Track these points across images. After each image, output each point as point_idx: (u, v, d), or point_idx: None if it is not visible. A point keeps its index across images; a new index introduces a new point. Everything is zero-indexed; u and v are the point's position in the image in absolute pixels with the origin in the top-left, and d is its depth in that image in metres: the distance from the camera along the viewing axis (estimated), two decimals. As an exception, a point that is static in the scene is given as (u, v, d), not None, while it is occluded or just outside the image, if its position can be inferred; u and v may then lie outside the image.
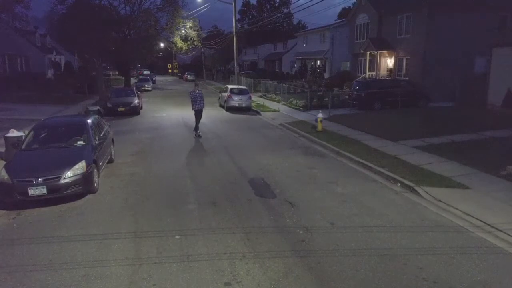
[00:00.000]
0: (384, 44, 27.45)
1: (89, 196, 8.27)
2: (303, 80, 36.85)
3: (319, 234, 6.45)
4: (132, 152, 12.40)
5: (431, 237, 6.38)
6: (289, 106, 23.94)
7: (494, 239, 6.27)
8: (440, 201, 7.86)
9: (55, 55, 49.25)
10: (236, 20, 31.43)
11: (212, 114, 22.27)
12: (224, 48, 48.53)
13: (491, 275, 5.23)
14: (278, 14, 66.24)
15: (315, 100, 22.92)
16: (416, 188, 8.55)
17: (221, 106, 25.29)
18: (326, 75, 36.85)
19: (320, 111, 16.64)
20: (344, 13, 52.70)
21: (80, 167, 7.98)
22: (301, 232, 6.53)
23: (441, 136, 13.41)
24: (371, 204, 7.86)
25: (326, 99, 21.90)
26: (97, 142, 9.39)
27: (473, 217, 7.04)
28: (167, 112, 22.98)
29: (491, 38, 20.83)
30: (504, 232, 6.39)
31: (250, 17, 78.15)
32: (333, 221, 6.97)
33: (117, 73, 66.41)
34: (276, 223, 6.92)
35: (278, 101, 26.46)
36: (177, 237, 6.35)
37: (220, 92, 27.48)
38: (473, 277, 5.17)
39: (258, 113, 22.53)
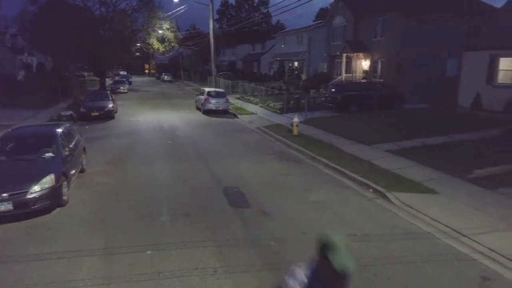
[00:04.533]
0: (360, 47, 27.90)
1: (58, 210, 8.05)
2: (281, 81, 37.03)
3: (292, 245, 6.49)
4: (104, 160, 12.15)
5: (401, 245, 6.53)
6: (267, 109, 24.02)
7: (459, 245, 6.47)
8: (410, 207, 8.05)
9: (26, 56, 47.70)
10: (213, 21, 31.25)
11: (189, 117, 22.11)
12: (202, 48, 48.23)
13: (458, 285, 5.39)
14: (257, 15, 66.38)
15: (292, 102, 23.07)
16: (387, 194, 8.73)
17: (198, 109, 25.11)
18: (304, 77, 37.15)
19: (297, 115, 16.76)
20: (322, 14, 53.29)
21: (48, 181, 7.76)
22: (273, 243, 6.56)
23: (413, 139, 13.72)
24: (344, 212, 7.97)
25: (303, 101, 22.07)
26: (67, 152, 9.15)
27: (441, 223, 7.24)
28: (142, 116, 22.64)
29: (462, 42, 21.49)
30: (469, 238, 6.60)
31: (229, 17, 77.94)
32: (306, 231, 7.03)
33: (92, 74, 64.96)
34: (249, 235, 6.92)
35: (256, 103, 26.51)
36: (149, 252, 6.26)
37: (197, 94, 27.29)
38: (439, 285, 5.32)
39: (235, 116, 22.50)
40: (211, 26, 30.82)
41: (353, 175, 10.21)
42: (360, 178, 9.88)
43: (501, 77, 18.73)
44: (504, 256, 5.96)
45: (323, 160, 11.83)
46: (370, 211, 8.06)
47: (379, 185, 9.23)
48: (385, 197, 8.71)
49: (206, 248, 6.39)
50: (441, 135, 14.16)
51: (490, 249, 6.20)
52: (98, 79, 40.34)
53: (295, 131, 15.52)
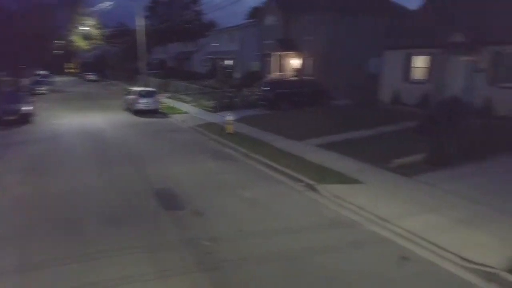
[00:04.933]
0: (291, 45, 28.73)
1: (-36, 226, 7.19)
2: (214, 80, 36.84)
3: (227, 243, 6.49)
4: (21, 169, 11.10)
5: (330, 234, 6.85)
6: (200, 108, 23.76)
7: (381, 230, 6.96)
8: (338, 197, 8.47)
9: None
10: (142, 17, 30.05)
11: (117, 119, 21.07)
12: (130, 46, 46.17)
13: (381, 266, 5.79)
14: (188, 12, 65.10)
15: (225, 101, 23.06)
16: (317, 186, 9.11)
17: (126, 109, 24.01)
18: (237, 75, 37.33)
19: (230, 113, 16.79)
20: (254, 13, 53.85)
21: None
22: (208, 243, 6.49)
23: (341, 134, 14.48)
24: (277, 207, 8.16)
25: (237, 100, 22.20)
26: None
27: (366, 211, 7.72)
28: (65, 119, 21.08)
29: (382, 41, 23.11)
30: (392, 223, 7.12)
31: (160, 14, 75.48)
32: (242, 228, 7.07)
33: (6, 74, 58.91)
34: (183, 237, 6.77)
35: (189, 102, 26.09)
36: (75, 265, 5.84)
37: (125, 94, 26.07)
38: (365, 270, 5.67)
39: (167, 115, 21.93)
40: (139, 22, 29.63)
41: (285, 170, 10.49)
42: (292, 173, 10.18)
43: (415, 74, 20.51)
44: (419, 237, 6.52)
45: (257, 157, 12.00)
46: (301, 204, 8.35)
47: (310, 179, 9.58)
48: (315, 189, 9.07)
49: (137, 254, 6.13)
50: (365, 129, 15.10)
51: (408, 231, 6.75)
52: (13, 79, 36.72)
53: (229, 130, 15.55)
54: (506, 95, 16.09)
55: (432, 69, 19.61)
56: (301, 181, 9.67)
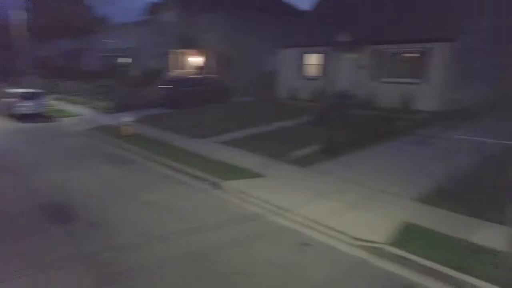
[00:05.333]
0: (190, 42, 28.31)
1: None
2: (110, 79, 34.49)
3: (129, 252, 6.11)
4: None
5: (235, 229, 6.92)
6: (95, 109, 22.02)
7: (283, 220, 7.28)
8: (241, 192, 8.61)
9: None
10: (21, 10, 26.60)
11: (-6, 125, 18.40)
12: (9, 42, 40.60)
13: (283, 254, 6.03)
14: (76, 6, 59.70)
15: (123, 101, 21.74)
16: (221, 183, 9.15)
17: (7, 115, 21.06)
18: (135, 73, 35.52)
19: (128, 113, 15.88)
20: (152, 8, 51.60)
21: None
22: (108, 254, 6.03)
23: (243, 130, 14.76)
24: (181, 208, 7.96)
25: (136, 99, 21.12)
26: None
27: (268, 202, 7.98)
28: None
29: (279, 40, 24.16)
30: (291, 212, 7.49)
31: (43, 7, 67.76)
32: (144, 234, 6.73)
33: None
34: (78, 252, 6.17)
35: (82, 104, 24.00)
36: None
37: (3, 97, 22.81)
38: (268, 260, 5.85)
39: (56, 119, 19.86)
40: (18, 16, 26.19)
41: (188, 170, 10.30)
42: (196, 172, 10.05)
43: (309, 71, 21.95)
44: (316, 222, 6.99)
45: (158, 158, 11.57)
46: (206, 203, 8.28)
47: (214, 177, 9.57)
48: (219, 187, 9.09)
49: (26, 277, 5.40)
50: (266, 124, 15.65)
51: (306, 218, 7.18)
52: None
53: (127, 131, 14.70)
54: (386, 88, 18.20)
55: (324, 66, 21.22)
56: (205, 180, 9.60)
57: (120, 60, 38.95)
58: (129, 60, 37.98)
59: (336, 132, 11.70)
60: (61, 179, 9.88)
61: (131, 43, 37.11)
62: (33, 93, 21.07)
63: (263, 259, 5.89)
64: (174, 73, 29.81)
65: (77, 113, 21.04)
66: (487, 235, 6.21)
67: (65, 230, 6.97)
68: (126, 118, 14.97)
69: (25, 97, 20.17)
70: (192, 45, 28.27)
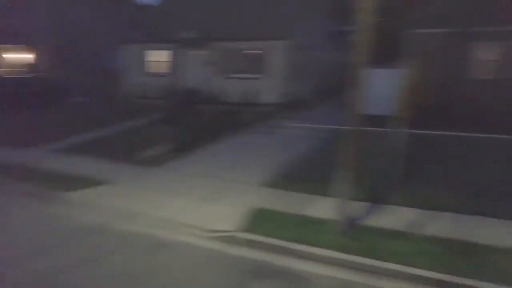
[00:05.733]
0: (11, 37, 23.91)
1: None
2: None
3: None
4: None
5: (77, 245, 6.07)
6: None
7: (135, 225, 6.75)
8: (83, 204, 7.67)
9: None
10: None
11: None
12: None
13: (138, 262, 5.56)
14: None
15: None
16: (58, 195, 7.99)
17: None
18: None
19: None
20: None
21: None
22: None
23: (83, 134, 13.28)
24: (10, 231, 6.60)
25: None
26: None
27: (117, 210, 7.30)
28: None
29: (119, 35, 22.54)
30: (144, 216, 7.01)
31: None
32: None
33: None
34: None
35: None
36: None
37: None
38: (125, 270, 5.30)
39: None
40: None
41: (15, 186, 8.64)
42: (27, 188, 8.49)
43: (156, 68, 21.25)
44: (170, 222, 6.74)
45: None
46: (41, 221, 7.03)
47: (49, 190, 8.26)
48: (56, 201, 7.91)
49: None
50: (111, 126, 14.44)
51: (160, 219, 6.85)
52: None
53: None
54: (232, 84, 19.01)
55: (172, 63, 20.84)
56: (38, 195, 8.21)
57: None
58: None
59: (185, 129, 11.59)
60: None
61: None
62: None
63: (118, 271, 5.31)
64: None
65: None
66: (322, 209, 7.01)
67: None
68: None
69: None
70: (12, 39, 24.01)
